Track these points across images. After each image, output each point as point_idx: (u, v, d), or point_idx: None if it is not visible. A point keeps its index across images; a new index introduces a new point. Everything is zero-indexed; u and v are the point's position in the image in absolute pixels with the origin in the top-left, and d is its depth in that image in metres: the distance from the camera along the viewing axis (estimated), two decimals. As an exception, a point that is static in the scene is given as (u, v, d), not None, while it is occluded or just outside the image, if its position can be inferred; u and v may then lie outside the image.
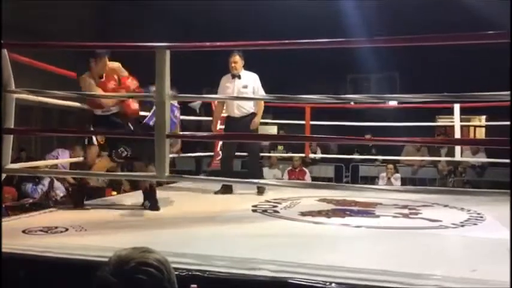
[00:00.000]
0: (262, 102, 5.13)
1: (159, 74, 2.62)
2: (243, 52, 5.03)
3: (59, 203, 5.67)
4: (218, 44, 2.87)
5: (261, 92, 5.02)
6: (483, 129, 11.21)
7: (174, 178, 4.15)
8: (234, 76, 5.03)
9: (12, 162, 3.13)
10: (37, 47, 4.92)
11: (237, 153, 5.43)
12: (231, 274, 2.25)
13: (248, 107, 5.06)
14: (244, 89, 4.97)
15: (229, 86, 5.02)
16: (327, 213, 4.01)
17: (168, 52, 2.63)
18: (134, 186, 6.52)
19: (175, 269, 2.14)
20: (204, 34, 3.11)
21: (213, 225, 3.48)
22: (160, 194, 4.23)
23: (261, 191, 5.02)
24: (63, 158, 6.81)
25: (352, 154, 8.51)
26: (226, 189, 5.06)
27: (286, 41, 2.72)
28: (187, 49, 4.43)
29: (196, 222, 3.62)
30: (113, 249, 1.15)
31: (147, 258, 1.07)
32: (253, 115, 5.07)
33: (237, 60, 4.99)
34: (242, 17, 8.77)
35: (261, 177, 5.58)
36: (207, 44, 2.91)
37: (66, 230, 3.16)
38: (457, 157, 5.82)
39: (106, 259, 1.11)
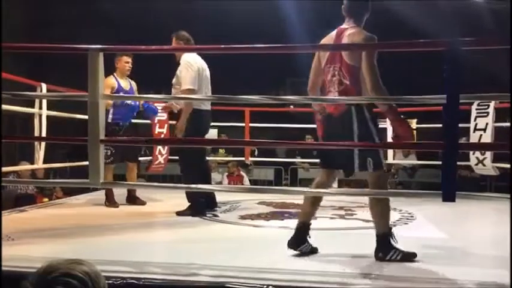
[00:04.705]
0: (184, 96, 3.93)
1: (92, 76, 2.53)
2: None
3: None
4: (153, 47, 2.83)
5: (183, 75, 3.93)
6: (414, 132, 11.77)
7: (109, 185, 3.94)
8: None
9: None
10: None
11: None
12: (167, 281, 2.20)
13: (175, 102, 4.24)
14: (174, 81, 4.12)
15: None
16: (266, 216, 4.05)
17: (101, 54, 2.55)
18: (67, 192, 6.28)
19: (108, 277, 2.07)
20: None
21: (150, 231, 3.41)
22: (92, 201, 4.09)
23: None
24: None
25: (294, 157, 8.60)
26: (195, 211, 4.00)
27: (222, 46, 2.72)
28: (121, 51, 4.32)
29: (132, 228, 3.53)
30: (41, 259, 1.10)
31: (73, 270, 1.02)
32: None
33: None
34: (187, 19, 8.66)
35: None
36: (142, 47, 2.85)
37: (-8, 240, 2.97)
38: (390, 159, 6.08)
39: (32, 270, 1.06)
